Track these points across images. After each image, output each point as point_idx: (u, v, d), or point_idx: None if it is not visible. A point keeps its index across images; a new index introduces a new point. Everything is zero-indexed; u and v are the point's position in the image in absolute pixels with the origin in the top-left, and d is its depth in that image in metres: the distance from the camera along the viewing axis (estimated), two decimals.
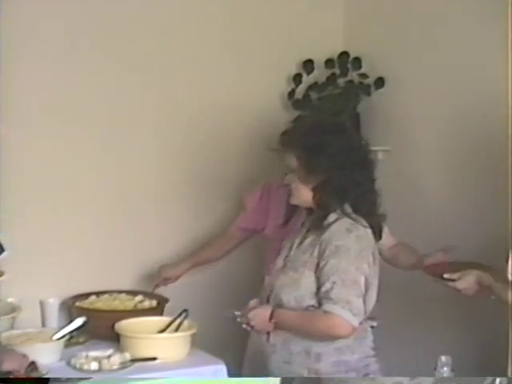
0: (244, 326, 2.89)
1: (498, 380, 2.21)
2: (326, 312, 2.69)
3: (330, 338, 2.75)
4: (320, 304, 2.72)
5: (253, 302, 2.92)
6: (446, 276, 2.87)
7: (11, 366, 2.65)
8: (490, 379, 2.26)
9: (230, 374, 3.11)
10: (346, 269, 2.70)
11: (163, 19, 3.91)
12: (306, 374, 2.78)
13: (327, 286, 2.70)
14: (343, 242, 2.73)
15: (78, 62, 3.71)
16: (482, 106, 3.45)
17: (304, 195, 2.83)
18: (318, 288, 2.74)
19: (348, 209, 2.80)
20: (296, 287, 2.78)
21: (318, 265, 2.75)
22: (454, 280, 2.83)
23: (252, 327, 2.87)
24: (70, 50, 3.69)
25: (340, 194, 2.78)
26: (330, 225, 2.77)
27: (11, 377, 2.61)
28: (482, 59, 3.52)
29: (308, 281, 2.76)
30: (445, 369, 2.30)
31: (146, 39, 3.86)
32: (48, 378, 2.49)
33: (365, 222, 2.80)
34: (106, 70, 3.78)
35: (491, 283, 2.77)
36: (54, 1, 3.64)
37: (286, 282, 2.82)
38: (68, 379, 2.87)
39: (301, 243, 2.85)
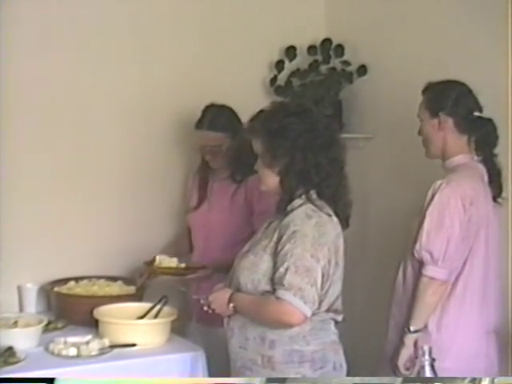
0: (205, 308, 2.87)
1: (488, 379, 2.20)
2: (277, 298, 2.65)
3: (281, 325, 2.68)
4: (274, 290, 2.68)
5: (218, 286, 2.89)
6: None
7: None
8: (469, 377, 2.26)
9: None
10: (301, 255, 2.63)
11: (144, 6, 3.90)
12: (259, 361, 2.74)
13: (281, 271, 2.64)
14: (300, 228, 2.66)
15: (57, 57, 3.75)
16: None
17: (271, 181, 2.78)
18: (274, 273, 2.70)
19: (313, 195, 2.75)
20: (254, 271, 2.74)
21: (276, 249, 2.71)
22: None
23: (213, 310, 2.84)
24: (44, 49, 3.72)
25: (303, 177, 2.73)
26: (292, 210, 2.73)
27: None
28: (465, 47, 3.52)
29: (266, 265, 2.71)
30: (426, 357, 2.30)
31: (129, 27, 3.90)
32: (53, 378, 2.44)
33: (330, 210, 2.75)
34: (86, 64, 3.82)
35: None
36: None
37: (245, 265, 2.78)
38: None
39: (267, 228, 2.82)
